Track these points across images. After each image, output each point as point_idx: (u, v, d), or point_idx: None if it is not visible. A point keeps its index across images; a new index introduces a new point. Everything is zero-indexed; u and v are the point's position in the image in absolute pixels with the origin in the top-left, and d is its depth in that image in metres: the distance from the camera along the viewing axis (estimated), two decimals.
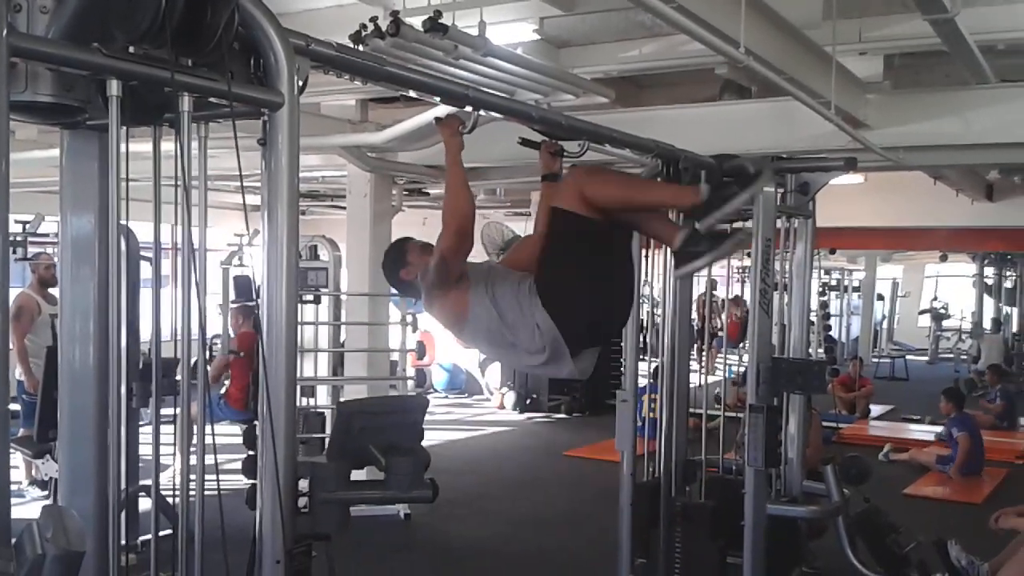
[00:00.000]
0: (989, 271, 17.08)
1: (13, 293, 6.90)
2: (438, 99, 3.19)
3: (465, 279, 3.09)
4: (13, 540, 1.61)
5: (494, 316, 3.06)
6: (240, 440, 5.37)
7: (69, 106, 2.23)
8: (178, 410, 2.33)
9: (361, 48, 3.87)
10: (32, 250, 7.12)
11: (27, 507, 6.13)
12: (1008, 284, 17.03)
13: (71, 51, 1.95)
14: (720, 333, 12.99)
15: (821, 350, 14.09)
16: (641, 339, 5.02)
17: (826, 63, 4.68)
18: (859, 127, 5.55)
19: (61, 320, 2.53)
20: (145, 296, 5.42)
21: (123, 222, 2.19)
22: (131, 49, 2.05)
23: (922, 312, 19.65)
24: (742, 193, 3.08)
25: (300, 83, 2.29)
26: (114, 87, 2.01)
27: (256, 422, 2.43)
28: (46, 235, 7.22)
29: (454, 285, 3.07)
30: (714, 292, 13.42)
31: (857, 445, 9.04)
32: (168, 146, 2.23)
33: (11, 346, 6.55)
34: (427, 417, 3.07)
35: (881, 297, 20.74)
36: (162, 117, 2.33)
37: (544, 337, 3.02)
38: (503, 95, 4.29)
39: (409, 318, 7.30)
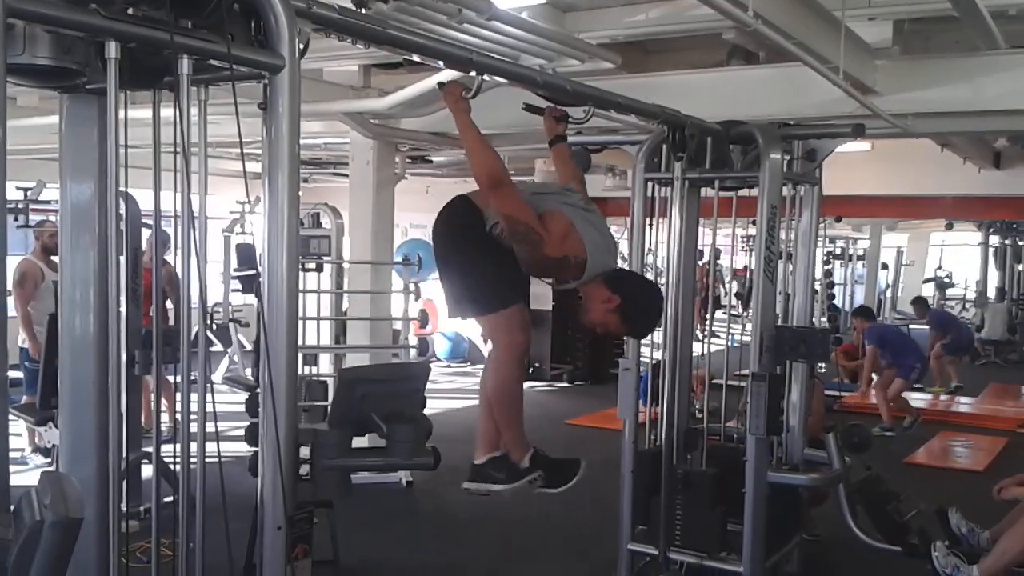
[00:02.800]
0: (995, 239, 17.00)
1: (16, 260, 6.92)
2: (441, 63, 3.14)
3: (545, 214, 2.88)
4: (12, 507, 1.61)
5: (592, 217, 2.99)
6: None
7: (68, 69, 2.20)
8: (179, 378, 2.32)
9: (363, 11, 3.81)
10: (34, 217, 7.10)
11: (30, 474, 6.16)
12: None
13: (68, 12, 1.92)
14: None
15: (824, 319, 14.07)
16: None
17: (835, 28, 4.61)
18: (867, 93, 5.49)
19: (61, 288, 2.51)
20: None
21: (122, 188, 2.16)
22: (130, 11, 2.02)
23: (926, 281, 19.59)
24: None
25: (301, 46, 2.26)
26: (112, 49, 1.98)
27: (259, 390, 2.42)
28: (47, 202, 7.20)
29: (544, 228, 2.84)
30: (718, 261, 13.40)
31: (859, 414, 9.05)
32: (168, 112, 2.20)
33: (15, 313, 6.61)
34: (430, 386, 3.06)
35: (885, 266, 20.66)
36: (162, 81, 2.30)
37: None
38: (507, 60, 4.24)
39: (412, 287, 7.29)
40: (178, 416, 2.31)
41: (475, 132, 2.91)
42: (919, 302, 13.29)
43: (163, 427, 4.27)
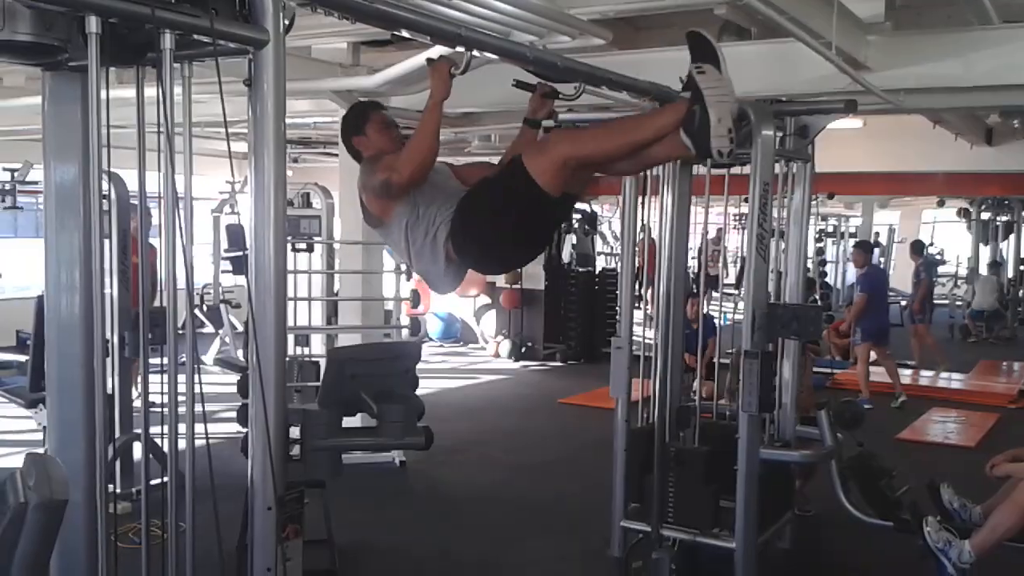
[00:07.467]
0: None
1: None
2: (429, 39, 3.11)
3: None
4: None
5: (404, 234, 3.11)
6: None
7: (49, 46, 2.17)
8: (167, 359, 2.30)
9: None
10: (21, 199, 7.05)
11: (21, 458, 6.14)
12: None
13: None
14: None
15: (816, 296, 14.06)
16: (636, 287, 4.98)
17: (827, 3, 4.58)
18: (860, 69, 5.46)
19: (46, 269, 2.48)
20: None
21: (106, 168, 2.13)
22: None
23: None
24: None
25: (286, 21, 2.22)
26: (93, 24, 1.95)
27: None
28: (35, 183, 7.14)
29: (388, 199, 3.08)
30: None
31: (851, 391, 9.08)
32: (153, 91, 2.17)
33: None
34: (422, 366, 3.05)
35: (878, 244, 20.67)
36: (145, 57, 2.27)
37: (441, 259, 3.09)
38: (497, 36, 4.19)
39: (403, 267, 7.26)
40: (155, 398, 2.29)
41: (438, 117, 2.97)
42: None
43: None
